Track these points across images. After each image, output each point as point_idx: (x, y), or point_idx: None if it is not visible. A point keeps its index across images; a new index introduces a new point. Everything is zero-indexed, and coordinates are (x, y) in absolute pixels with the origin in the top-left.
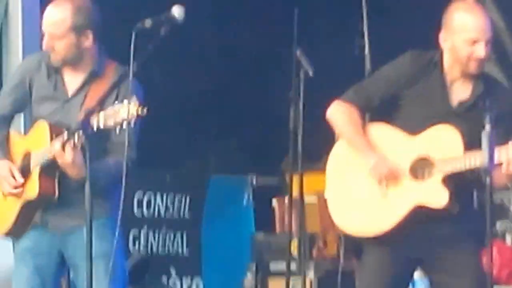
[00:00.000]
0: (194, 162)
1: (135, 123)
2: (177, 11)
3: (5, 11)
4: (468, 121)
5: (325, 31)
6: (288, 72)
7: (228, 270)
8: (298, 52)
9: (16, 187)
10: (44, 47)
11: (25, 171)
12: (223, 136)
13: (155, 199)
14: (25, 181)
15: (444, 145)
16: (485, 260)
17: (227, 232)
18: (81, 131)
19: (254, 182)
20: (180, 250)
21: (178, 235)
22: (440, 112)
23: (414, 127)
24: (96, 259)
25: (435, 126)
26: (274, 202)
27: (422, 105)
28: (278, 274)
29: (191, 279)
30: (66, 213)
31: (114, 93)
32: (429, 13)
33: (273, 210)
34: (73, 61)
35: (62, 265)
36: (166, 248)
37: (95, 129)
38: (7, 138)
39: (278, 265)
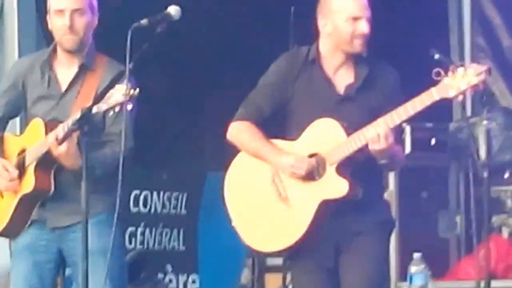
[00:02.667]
0: (190, 160)
1: (131, 111)
2: (173, 9)
3: (0, 11)
4: (360, 104)
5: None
6: None
7: (225, 266)
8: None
9: (11, 180)
10: (63, 27)
11: (21, 168)
12: (219, 133)
13: (151, 197)
14: (22, 177)
15: (326, 137)
16: (482, 254)
17: (223, 229)
18: (75, 123)
19: None
20: (176, 246)
21: (175, 232)
22: (329, 103)
23: (307, 124)
24: (95, 255)
25: (312, 123)
26: None
27: (310, 102)
28: (275, 269)
29: (188, 276)
30: (64, 210)
31: (108, 88)
32: (428, 15)
33: None
34: (82, 48)
35: (61, 262)
36: (163, 245)
37: (88, 115)
38: (2, 139)
39: (274, 261)
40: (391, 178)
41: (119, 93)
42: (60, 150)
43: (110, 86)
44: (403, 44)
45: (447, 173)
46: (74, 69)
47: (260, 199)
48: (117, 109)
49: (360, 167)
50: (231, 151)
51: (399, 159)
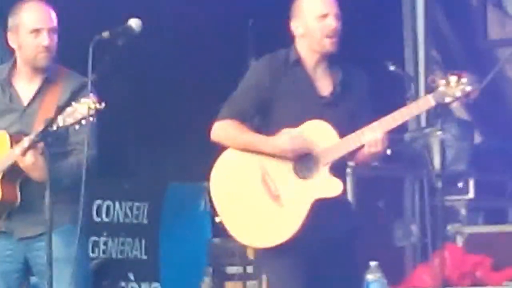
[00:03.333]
0: (152, 170)
1: (93, 119)
2: (134, 22)
3: None
4: (341, 108)
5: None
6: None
7: (186, 275)
8: (252, 61)
9: None
10: (40, 46)
11: None
12: (180, 144)
13: (114, 207)
14: None
15: (318, 138)
16: (437, 261)
17: (184, 238)
18: (39, 135)
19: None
20: (138, 255)
21: (137, 241)
22: (312, 105)
23: (291, 125)
24: (61, 264)
25: (304, 124)
26: None
27: (294, 103)
28: (235, 278)
29: (150, 284)
30: (31, 221)
31: (69, 99)
32: (383, 27)
33: None
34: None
35: (27, 270)
36: (125, 254)
37: (54, 128)
38: None
39: (234, 269)
40: (348, 187)
41: (84, 107)
42: (26, 162)
43: (72, 98)
44: (358, 56)
45: (402, 182)
46: (37, 83)
47: (249, 195)
48: (83, 122)
49: (343, 169)
50: (192, 162)
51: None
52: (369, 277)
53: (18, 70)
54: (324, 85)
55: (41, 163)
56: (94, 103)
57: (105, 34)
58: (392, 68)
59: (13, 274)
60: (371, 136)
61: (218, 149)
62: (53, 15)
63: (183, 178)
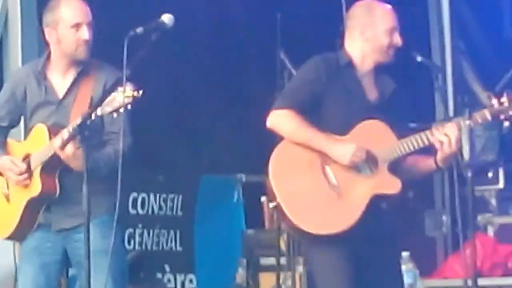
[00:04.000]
0: (186, 163)
1: (129, 107)
2: (167, 18)
3: (4, 22)
4: (384, 113)
5: (307, 33)
6: (274, 73)
7: (220, 266)
8: (282, 54)
9: (21, 174)
10: (80, 40)
11: (27, 172)
12: (214, 137)
13: (148, 199)
14: (29, 181)
15: (376, 137)
16: (468, 252)
17: (218, 229)
18: (76, 129)
19: (244, 181)
20: (173, 247)
21: (172, 233)
22: (361, 108)
23: (340, 125)
24: (97, 255)
25: (361, 124)
26: (263, 199)
27: (343, 104)
28: (269, 269)
29: (185, 275)
30: (69, 212)
31: (104, 91)
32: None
33: (262, 207)
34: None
35: (66, 262)
36: (160, 246)
37: (93, 118)
38: (6, 146)
39: (268, 260)
40: None
41: (121, 95)
42: (66, 153)
43: (107, 89)
44: None
45: (431, 173)
46: (71, 76)
47: (309, 183)
48: (121, 110)
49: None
50: (225, 155)
51: None
52: (402, 267)
53: (53, 64)
54: (372, 90)
55: (80, 153)
56: (131, 91)
57: (139, 29)
58: (419, 59)
59: (53, 266)
60: (446, 135)
61: (250, 143)
62: (89, 10)
63: (216, 171)
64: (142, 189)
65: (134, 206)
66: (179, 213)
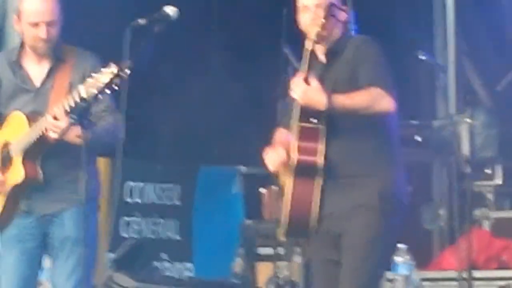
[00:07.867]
0: (184, 153)
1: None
2: (170, 9)
3: (4, 15)
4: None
5: None
6: (277, 68)
7: (218, 255)
8: (286, 50)
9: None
10: (37, 37)
11: (6, 161)
12: (212, 128)
13: (146, 188)
14: (8, 169)
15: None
16: (464, 245)
17: (217, 220)
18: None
19: (243, 172)
20: (171, 236)
21: (170, 222)
22: None
23: None
24: (70, 243)
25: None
26: (262, 190)
27: None
28: (266, 258)
29: (183, 264)
30: (51, 198)
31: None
32: (410, 11)
33: (261, 198)
34: (53, 49)
35: (47, 246)
36: (158, 234)
37: (78, 100)
38: None
39: (266, 250)
40: None
41: (105, 76)
42: (61, 126)
43: (85, 73)
44: (390, 45)
45: (431, 168)
46: (46, 64)
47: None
48: (107, 91)
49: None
50: (224, 146)
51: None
52: (397, 259)
53: (26, 52)
54: None
55: (75, 126)
56: (115, 70)
57: (142, 20)
58: (422, 57)
59: (34, 251)
60: None
61: (250, 135)
62: (54, 6)
63: (216, 162)
64: (139, 178)
65: (132, 194)
66: (178, 202)
